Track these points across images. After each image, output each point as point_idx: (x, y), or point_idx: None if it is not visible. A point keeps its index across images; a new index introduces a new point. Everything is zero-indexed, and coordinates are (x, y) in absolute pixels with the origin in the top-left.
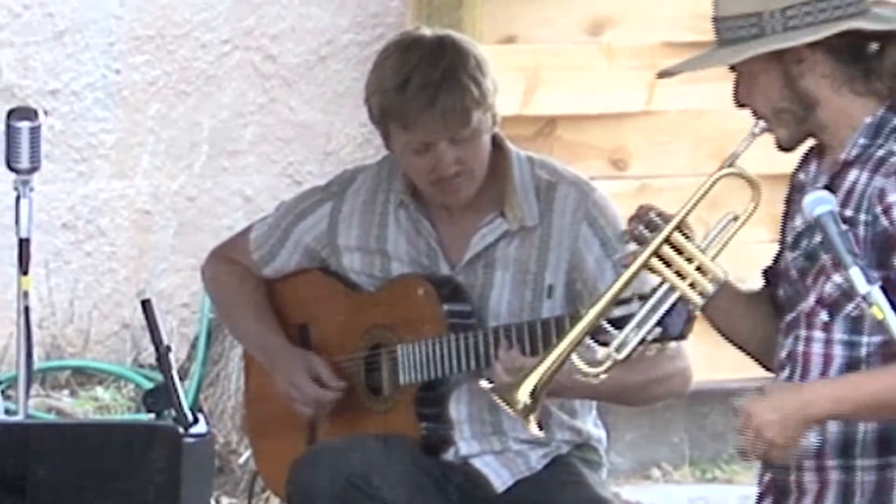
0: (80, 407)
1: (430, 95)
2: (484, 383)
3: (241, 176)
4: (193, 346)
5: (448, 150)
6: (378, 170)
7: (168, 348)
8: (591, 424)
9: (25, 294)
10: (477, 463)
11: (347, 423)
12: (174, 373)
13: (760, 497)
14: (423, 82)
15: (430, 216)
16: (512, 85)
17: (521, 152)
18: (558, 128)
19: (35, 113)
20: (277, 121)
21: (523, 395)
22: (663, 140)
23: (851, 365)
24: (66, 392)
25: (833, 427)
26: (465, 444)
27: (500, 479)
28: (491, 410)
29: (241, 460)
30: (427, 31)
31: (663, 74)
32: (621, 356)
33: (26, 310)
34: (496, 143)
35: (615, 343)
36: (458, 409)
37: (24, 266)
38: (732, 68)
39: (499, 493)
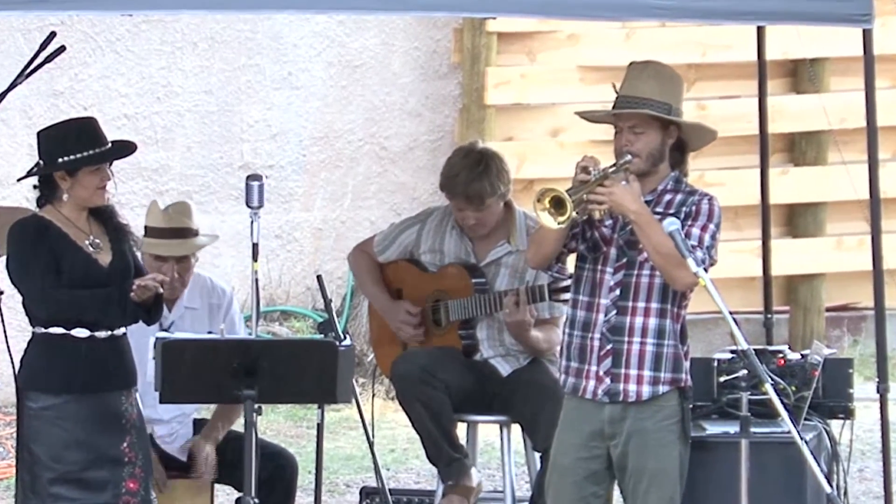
0: (284, 331)
1: (464, 187)
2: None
3: (382, 210)
4: (344, 299)
5: (470, 214)
6: (444, 209)
7: (330, 300)
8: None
9: (255, 272)
10: (492, 361)
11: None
12: (334, 313)
13: None
14: (464, 179)
15: (470, 236)
16: (510, 161)
17: (520, 209)
18: (534, 184)
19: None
20: (390, 181)
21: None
22: None
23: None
24: (276, 323)
25: None
26: (485, 351)
27: (504, 369)
28: (500, 333)
29: (368, 359)
30: (479, 145)
31: (584, 115)
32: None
33: (256, 281)
34: (507, 204)
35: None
36: (481, 332)
37: (255, 257)
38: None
39: (504, 377)
